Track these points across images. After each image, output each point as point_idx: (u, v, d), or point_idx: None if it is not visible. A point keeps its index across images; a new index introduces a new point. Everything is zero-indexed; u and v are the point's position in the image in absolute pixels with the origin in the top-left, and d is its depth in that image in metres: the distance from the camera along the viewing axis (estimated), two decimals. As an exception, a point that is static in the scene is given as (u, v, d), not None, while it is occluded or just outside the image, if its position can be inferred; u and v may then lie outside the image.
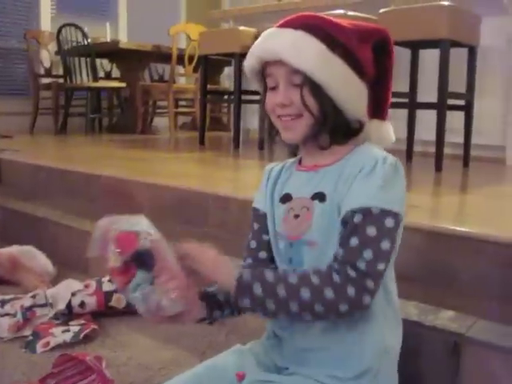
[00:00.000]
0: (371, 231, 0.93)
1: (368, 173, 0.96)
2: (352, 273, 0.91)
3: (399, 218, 0.96)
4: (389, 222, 0.94)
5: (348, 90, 0.99)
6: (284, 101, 1.00)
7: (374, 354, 0.99)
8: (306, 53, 0.97)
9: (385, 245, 0.93)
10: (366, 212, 0.93)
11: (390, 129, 1.11)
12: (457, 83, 2.93)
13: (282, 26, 1.02)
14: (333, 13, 2.81)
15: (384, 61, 1.06)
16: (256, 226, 1.16)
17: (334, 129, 1.01)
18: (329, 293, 0.91)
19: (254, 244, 1.15)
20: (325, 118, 0.99)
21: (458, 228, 1.46)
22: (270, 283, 0.93)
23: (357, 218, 0.93)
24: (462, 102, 3.03)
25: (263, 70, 1.05)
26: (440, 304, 1.40)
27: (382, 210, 0.93)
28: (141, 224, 0.95)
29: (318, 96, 0.98)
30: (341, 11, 3.05)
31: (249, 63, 1.06)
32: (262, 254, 1.14)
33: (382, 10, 2.92)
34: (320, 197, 1.01)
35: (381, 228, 0.93)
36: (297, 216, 1.04)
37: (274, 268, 1.08)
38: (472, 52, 2.99)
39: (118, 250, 0.92)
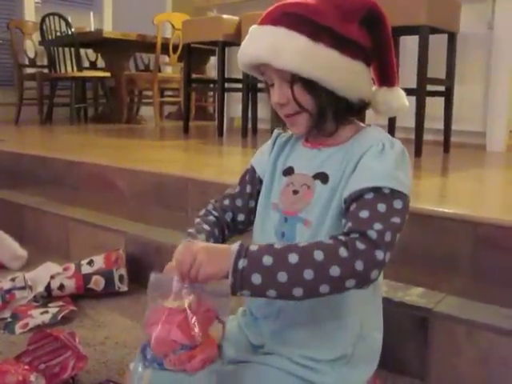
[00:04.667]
0: (382, 208, 0.91)
1: (377, 154, 0.95)
2: (361, 245, 0.86)
3: (407, 200, 0.94)
4: (397, 204, 0.92)
5: (342, 76, 0.95)
6: (280, 100, 0.98)
7: (350, 341, 1.00)
8: (287, 52, 0.93)
9: (395, 219, 0.91)
10: (377, 190, 0.92)
11: (400, 95, 1.05)
12: (437, 69, 2.95)
13: (263, 22, 0.98)
14: None
15: (378, 32, 1.00)
16: (249, 188, 1.14)
17: (337, 113, 0.99)
18: (335, 271, 0.85)
19: (239, 202, 1.14)
20: (322, 111, 0.97)
21: (431, 208, 1.48)
22: (270, 269, 0.86)
23: (368, 196, 0.92)
24: (441, 88, 3.05)
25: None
26: (411, 282, 1.43)
27: (392, 191, 0.92)
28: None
29: (312, 90, 0.95)
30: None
31: (241, 64, 1.03)
32: (241, 217, 1.14)
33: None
34: (322, 177, 1.01)
35: (390, 207, 0.92)
36: (295, 192, 1.03)
37: (271, 244, 0.92)
38: (452, 38, 3.01)
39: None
